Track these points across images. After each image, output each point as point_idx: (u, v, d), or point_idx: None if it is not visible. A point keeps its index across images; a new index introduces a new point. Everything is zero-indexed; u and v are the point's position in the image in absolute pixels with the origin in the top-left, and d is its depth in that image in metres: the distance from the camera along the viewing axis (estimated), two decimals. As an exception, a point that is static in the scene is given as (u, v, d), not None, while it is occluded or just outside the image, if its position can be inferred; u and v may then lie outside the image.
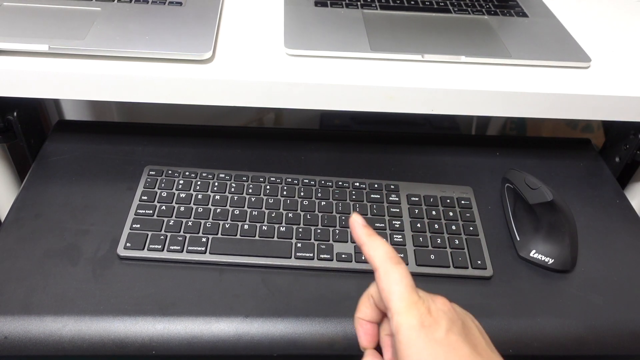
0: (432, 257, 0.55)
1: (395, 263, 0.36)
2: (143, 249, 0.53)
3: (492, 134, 1.21)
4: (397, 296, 0.34)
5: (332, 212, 0.59)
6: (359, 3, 0.68)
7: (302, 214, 0.58)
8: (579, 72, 0.60)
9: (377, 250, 0.37)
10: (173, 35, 0.57)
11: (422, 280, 0.54)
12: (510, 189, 0.61)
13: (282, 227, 0.57)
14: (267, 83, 0.55)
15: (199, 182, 0.60)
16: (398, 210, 0.60)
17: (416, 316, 0.33)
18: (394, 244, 0.56)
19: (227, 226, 0.56)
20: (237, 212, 0.58)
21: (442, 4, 0.70)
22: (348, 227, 0.57)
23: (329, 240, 0.56)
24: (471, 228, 0.59)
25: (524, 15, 0.69)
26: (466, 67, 0.59)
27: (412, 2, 0.69)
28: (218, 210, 0.58)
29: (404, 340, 0.33)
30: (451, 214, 0.60)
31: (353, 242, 0.56)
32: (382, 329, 0.39)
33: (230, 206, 0.58)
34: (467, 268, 0.55)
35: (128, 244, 0.54)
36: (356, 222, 0.39)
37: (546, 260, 0.56)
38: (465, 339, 0.34)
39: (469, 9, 0.69)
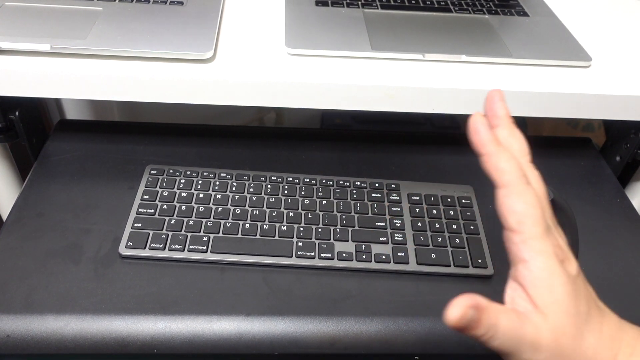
0: (433, 256, 0.55)
1: (527, 184, 0.32)
2: (144, 248, 0.54)
3: (493, 133, 1.21)
4: (532, 221, 0.31)
5: (333, 211, 0.59)
6: (359, 2, 0.68)
7: (303, 213, 0.58)
8: (580, 71, 0.60)
9: (507, 164, 0.33)
10: (174, 34, 0.57)
11: (423, 279, 0.54)
12: (511, 188, 0.61)
13: (283, 226, 0.57)
14: (268, 82, 0.55)
15: (200, 181, 0.61)
16: (399, 209, 0.60)
17: (552, 243, 0.32)
18: (394, 242, 0.56)
19: (228, 225, 0.56)
20: (238, 211, 0.58)
21: (443, 3, 0.70)
22: (349, 226, 0.57)
23: (330, 239, 0.56)
24: (472, 227, 0.59)
25: (525, 14, 0.69)
26: (467, 66, 0.59)
27: (413, 2, 0.70)
28: (219, 209, 0.58)
29: (546, 268, 0.31)
30: (452, 213, 0.60)
31: (354, 241, 0.56)
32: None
33: (231, 205, 0.58)
34: (468, 267, 0.55)
35: (130, 243, 0.54)
36: (479, 123, 0.33)
37: (547, 259, 0.56)
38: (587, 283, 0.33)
39: (469, 8, 0.70)
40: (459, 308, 0.29)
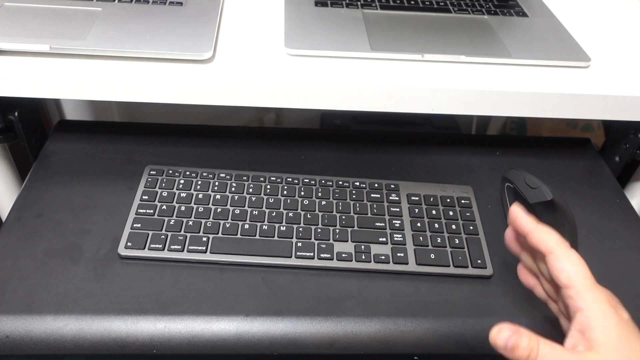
0: (432, 256, 0.55)
1: (569, 248, 0.39)
2: (144, 248, 0.54)
3: (492, 133, 1.21)
4: (581, 275, 0.37)
5: (332, 212, 0.59)
6: (359, 3, 0.68)
7: (302, 213, 0.58)
8: (579, 71, 0.61)
9: (549, 235, 0.40)
10: (173, 35, 0.57)
11: (422, 280, 0.54)
12: (510, 188, 0.61)
13: (283, 226, 0.57)
14: (268, 83, 0.55)
15: (199, 182, 0.61)
16: (398, 209, 0.60)
17: (604, 293, 0.37)
18: (394, 243, 0.56)
19: (227, 225, 0.56)
20: (238, 212, 0.58)
21: (442, 3, 0.70)
22: (348, 227, 0.57)
23: (329, 240, 0.56)
24: (471, 227, 0.59)
25: (524, 15, 0.69)
26: (466, 66, 0.60)
27: (412, 2, 0.70)
28: (219, 209, 0.58)
29: (600, 313, 0.36)
30: (451, 213, 0.60)
31: (353, 241, 0.56)
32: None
33: (230, 205, 0.58)
34: (467, 267, 0.55)
35: (129, 244, 0.54)
36: (519, 211, 0.42)
37: (546, 259, 0.56)
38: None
39: (469, 8, 0.70)
40: (503, 328, 0.35)
